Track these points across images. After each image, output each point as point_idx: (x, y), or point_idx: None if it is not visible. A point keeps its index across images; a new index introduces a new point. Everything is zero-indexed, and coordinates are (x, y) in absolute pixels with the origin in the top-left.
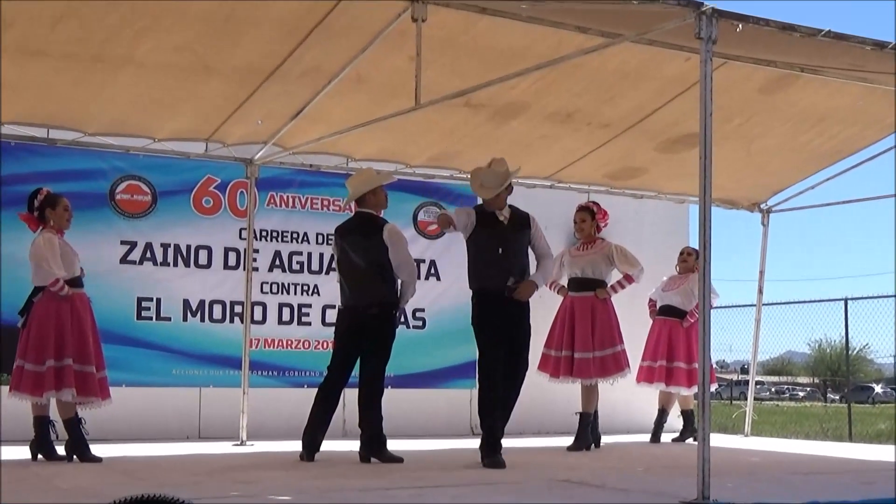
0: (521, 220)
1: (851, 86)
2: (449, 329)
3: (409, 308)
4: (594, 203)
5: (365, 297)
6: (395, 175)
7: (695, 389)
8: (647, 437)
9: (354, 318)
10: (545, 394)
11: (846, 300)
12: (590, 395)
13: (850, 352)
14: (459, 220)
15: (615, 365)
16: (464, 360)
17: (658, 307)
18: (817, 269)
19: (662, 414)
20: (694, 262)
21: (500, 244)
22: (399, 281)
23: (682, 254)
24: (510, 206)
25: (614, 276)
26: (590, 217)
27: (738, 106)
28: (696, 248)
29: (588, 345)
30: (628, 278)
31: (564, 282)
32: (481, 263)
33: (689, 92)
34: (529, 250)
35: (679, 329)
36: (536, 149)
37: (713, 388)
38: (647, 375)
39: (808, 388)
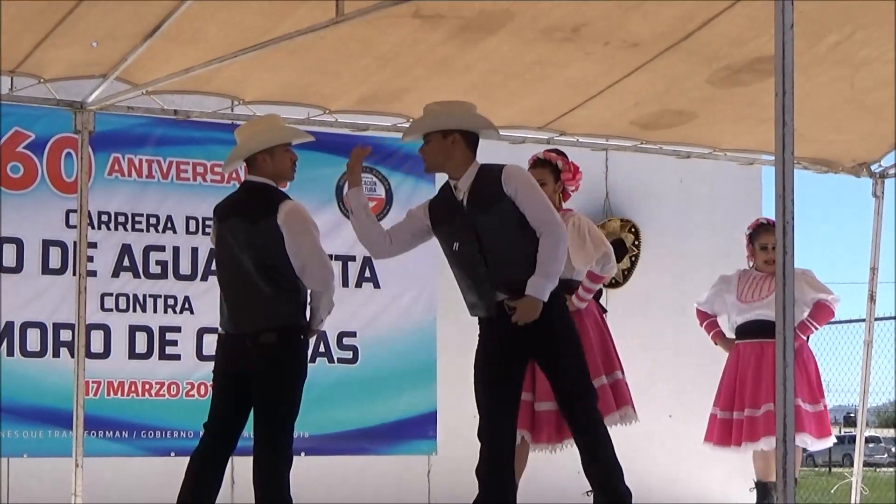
0: (489, 189)
1: None
2: (395, 364)
3: (329, 332)
4: (558, 153)
5: (251, 319)
6: (312, 125)
7: (829, 442)
8: None
9: (237, 351)
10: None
11: None
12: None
13: None
14: (401, 227)
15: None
16: (419, 410)
17: (738, 326)
18: None
19: (765, 490)
20: None
21: (468, 236)
22: (307, 291)
23: (762, 244)
24: (481, 167)
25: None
26: (552, 177)
27: (836, 13)
28: None
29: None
30: (591, 276)
31: None
32: (458, 278)
33: None
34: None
35: (764, 354)
36: (526, 83)
37: (821, 445)
38: (747, 432)
39: None
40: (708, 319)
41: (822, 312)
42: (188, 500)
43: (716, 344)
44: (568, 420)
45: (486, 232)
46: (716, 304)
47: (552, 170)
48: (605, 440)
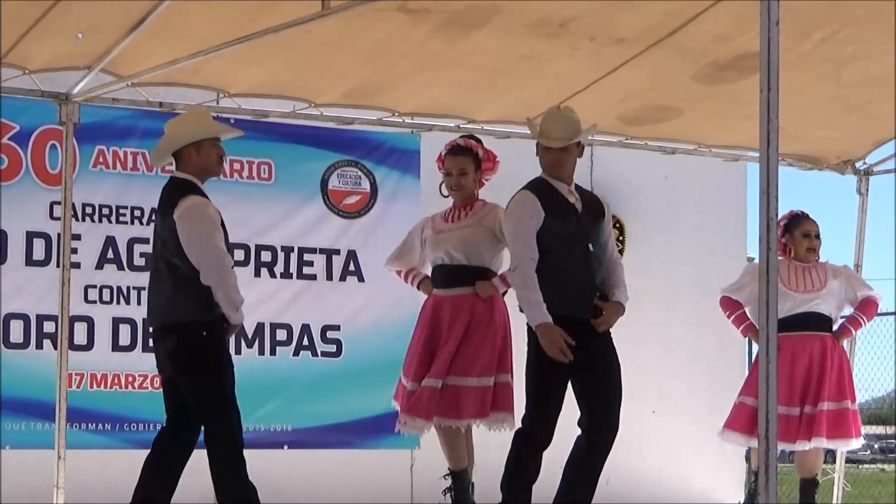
0: (596, 206)
1: None
2: (379, 358)
3: (313, 325)
4: (476, 141)
5: (157, 314)
6: (297, 118)
7: (862, 441)
8: None
9: (155, 348)
10: None
11: None
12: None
13: None
14: (522, 223)
15: (484, 402)
16: None
17: (788, 316)
18: None
19: (812, 486)
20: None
21: (584, 241)
22: None
23: (804, 232)
24: (575, 184)
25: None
26: (473, 165)
27: (822, 11)
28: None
29: (468, 369)
30: None
31: (427, 270)
32: (557, 274)
33: None
34: None
35: (834, 349)
36: (512, 77)
37: (855, 444)
38: (808, 428)
39: None
40: (737, 311)
41: (871, 308)
42: (143, 491)
43: (745, 336)
44: (595, 420)
45: (594, 240)
46: (750, 293)
47: (473, 158)
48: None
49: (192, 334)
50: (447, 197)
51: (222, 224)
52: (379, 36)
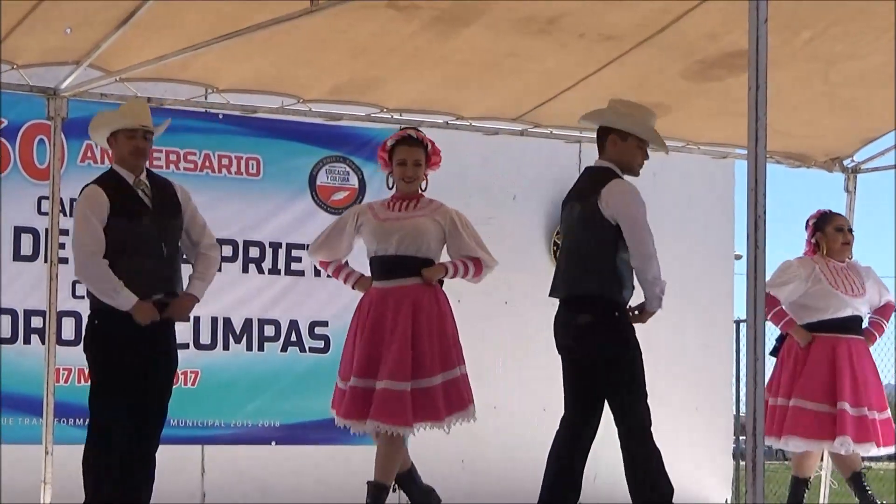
0: None
1: None
2: None
3: (300, 321)
4: (421, 133)
5: None
6: (285, 114)
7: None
8: None
9: None
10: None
11: None
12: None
13: None
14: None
15: (457, 397)
16: None
17: (834, 318)
18: None
19: (804, 486)
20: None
21: None
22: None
23: (837, 226)
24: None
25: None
26: (424, 157)
27: (810, 9)
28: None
29: (432, 369)
30: (477, 264)
31: (351, 260)
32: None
33: None
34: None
35: (868, 354)
36: (500, 74)
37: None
38: (873, 433)
39: None
40: (775, 307)
41: (889, 313)
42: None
43: (786, 333)
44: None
45: None
46: (791, 291)
47: (424, 150)
48: None
49: (89, 323)
50: (391, 188)
51: (122, 208)
52: (367, 32)
